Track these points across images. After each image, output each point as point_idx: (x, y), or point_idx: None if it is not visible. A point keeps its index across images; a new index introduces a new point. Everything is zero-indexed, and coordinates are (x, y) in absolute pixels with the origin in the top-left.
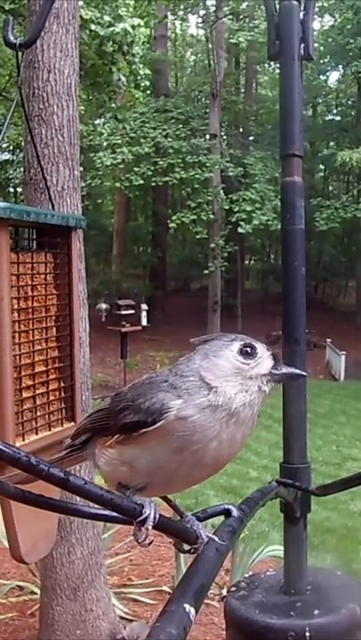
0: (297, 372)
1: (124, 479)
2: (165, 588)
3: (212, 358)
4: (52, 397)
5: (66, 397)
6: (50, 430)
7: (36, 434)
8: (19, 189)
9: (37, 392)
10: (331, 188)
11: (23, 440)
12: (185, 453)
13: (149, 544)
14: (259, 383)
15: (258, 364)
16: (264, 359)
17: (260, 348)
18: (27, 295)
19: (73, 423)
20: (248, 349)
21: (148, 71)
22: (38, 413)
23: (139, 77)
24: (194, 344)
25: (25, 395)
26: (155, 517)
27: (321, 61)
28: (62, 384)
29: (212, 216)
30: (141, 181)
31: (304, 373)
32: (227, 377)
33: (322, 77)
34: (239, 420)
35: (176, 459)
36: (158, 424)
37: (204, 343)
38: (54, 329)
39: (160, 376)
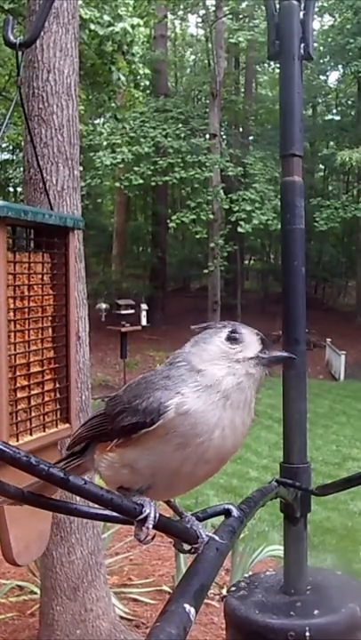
0: (285, 354)
1: (125, 482)
2: (165, 588)
3: (202, 344)
4: (46, 398)
5: (61, 398)
6: (44, 431)
7: (31, 434)
8: (19, 189)
9: (32, 392)
10: (331, 188)
11: (17, 441)
12: (188, 449)
13: (152, 538)
14: (246, 366)
15: (245, 349)
16: (251, 343)
17: (248, 334)
18: (23, 295)
19: (68, 424)
20: (236, 335)
21: (147, 71)
22: (33, 414)
23: (138, 77)
24: (195, 330)
25: (20, 395)
26: (155, 516)
27: (321, 61)
28: (57, 385)
29: (211, 216)
30: (141, 181)
31: (293, 356)
32: (213, 360)
33: (322, 77)
34: (234, 404)
35: (179, 456)
36: (158, 423)
37: (200, 331)
38: (50, 329)
39: (156, 374)
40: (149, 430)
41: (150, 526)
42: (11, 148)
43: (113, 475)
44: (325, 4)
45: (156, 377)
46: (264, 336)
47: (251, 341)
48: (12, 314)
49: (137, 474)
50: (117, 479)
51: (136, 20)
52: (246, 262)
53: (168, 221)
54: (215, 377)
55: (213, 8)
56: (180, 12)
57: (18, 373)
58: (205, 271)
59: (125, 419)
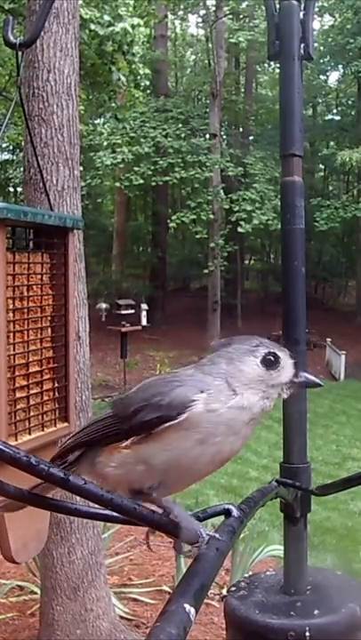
0: (316, 380)
1: (137, 481)
2: (165, 588)
3: (237, 364)
4: (45, 398)
5: (60, 398)
6: (43, 430)
7: (29, 434)
8: (19, 189)
9: (31, 392)
10: (331, 188)
11: (16, 440)
12: (205, 445)
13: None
14: (279, 391)
15: (280, 374)
16: (286, 368)
17: (283, 357)
18: (22, 295)
19: (66, 423)
20: (272, 358)
21: (147, 71)
22: (32, 413)
23: (138, 77)
24: (215, 347)
25: (19, 395)
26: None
27: (321, 61)
28: (56, 384)
29: (211, 216)
30: (141, 181)
31: (321, 383)
32: (251, 384)
33: (322, 77)
34: (255, 422)
35: (196, 452)
36: (184, 416)
37: (227, 346)
38: (49, 329)
39: (176, 375)
40: (174, 424)
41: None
42: (11, 147)
43: (125, 473)
44: (325, 4)
45: (177, 377)
46: (295, 357)
47: (286, 365)
48: (11, 314)
49: (151, 470)
50: (130, 477)
51: (136, 20)
52: (246, 262)
53: (168, 221)
54: (250, 401)
55: (214, 8)
56: (181, 12)
57: (17, 373)
58: (205, 271)
59: (148, 415)
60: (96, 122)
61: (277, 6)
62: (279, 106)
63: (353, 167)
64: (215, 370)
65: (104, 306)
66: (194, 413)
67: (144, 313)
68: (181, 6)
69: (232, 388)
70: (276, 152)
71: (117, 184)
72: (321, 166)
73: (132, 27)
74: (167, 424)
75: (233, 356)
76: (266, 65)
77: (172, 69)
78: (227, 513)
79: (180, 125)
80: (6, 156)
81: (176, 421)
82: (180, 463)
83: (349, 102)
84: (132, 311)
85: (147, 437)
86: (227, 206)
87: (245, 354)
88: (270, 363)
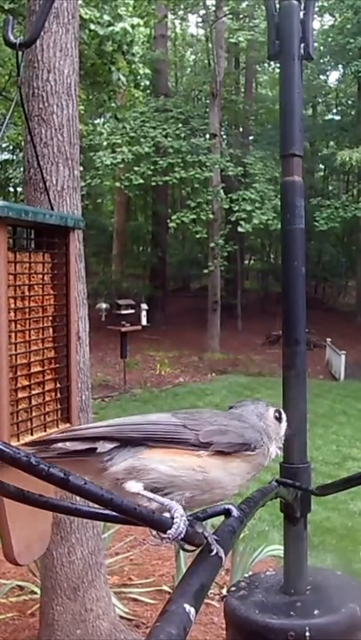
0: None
1: (179, 485)
2: (165, 588)
3: (265, 420)
4: (47, 398)
5: (62, 398)
6: (45, 431)
7: (32, 434)
8: (19, 189)
9: (33, 392)
10: (331, 188)
11: (18, 440)
12: (245, 478)
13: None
14: (282, 441)
15: (282, 427)
16: (284, 422)
17: (284, 415)
18: (24, 295)
19: (69, 424)
20: (277, 414)
21: (147, 71)
22: (34, 414)
23: (138, 77)
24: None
25: (20, 395)
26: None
27: (321, 61)
28: (58, 385)
29: (211, 215)
30: (141, 181)
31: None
32: (273, 437)
33: (322, 77)
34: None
35: (236, 480)
36: (257, 451)
37: (245, 406)
38: (51, 329)
39: (242, 417)
40: (251, 453)
41: (171, 538)
42: (11, 147)
43: (177, 475)
44: (325, 4)
45: (241, 418)
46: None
47: (285, 420)
48: (12, 314)
49: (205, 481)
50: (176, 480)
51: (136, 20)
52: (246, 262)
53: (168, 221)
54: (272, 451)
55: (213, 8)
56: (181, 12)
57: (19, 373)
58: (205, 271)
59: (229, 437)
60: (96, 122)
61: (277, 6)
62: (279, 106)
63: (353, 167)
64: (251, 422)
65: (104, 306)
66: (258, 452)
67: (144, 313)
68: (181, 6)
69: (263, 440)
70: (276, 152)
71: (117, 184)
72: (321, 166)
73: (132, 27)
74: (248, 452)
75: (259, 414)
76: (266, 65)
77: (172, 69)
78: (227, 513)
79: (180, 125)
80: (6, 155)
81: (254, 453)
82: (227, 482)
83: (349, 102)
84: (132, 311)
85: (218, 454)
86: (227, 206)
87: (266, 411)
88: (278, 418)
